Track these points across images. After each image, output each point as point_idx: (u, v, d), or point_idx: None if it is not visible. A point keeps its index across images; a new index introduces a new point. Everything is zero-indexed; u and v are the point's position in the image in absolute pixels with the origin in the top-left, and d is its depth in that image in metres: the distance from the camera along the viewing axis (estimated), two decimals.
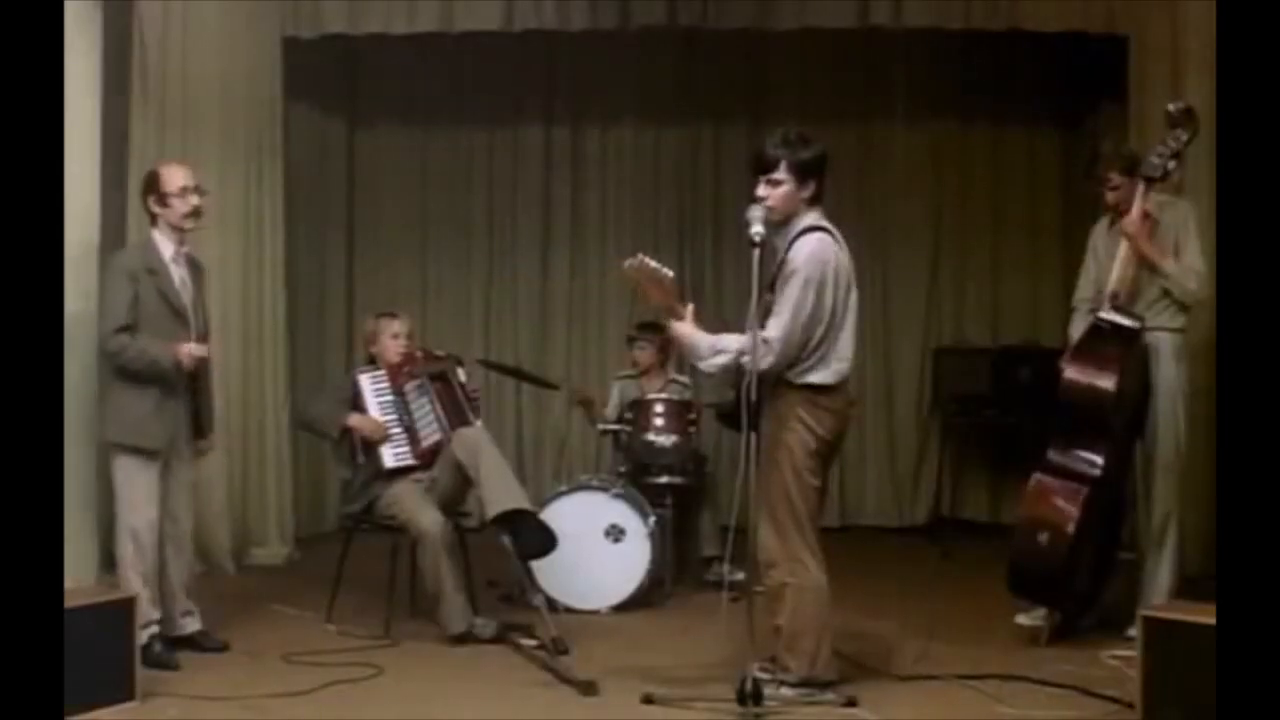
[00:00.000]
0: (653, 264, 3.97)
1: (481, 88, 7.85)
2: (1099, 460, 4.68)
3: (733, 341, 3.95)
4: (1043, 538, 4.64)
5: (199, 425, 4.68)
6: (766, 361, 3.90)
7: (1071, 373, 4.70)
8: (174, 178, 4.54)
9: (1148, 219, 4.72)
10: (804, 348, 3.95)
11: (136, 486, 4.46)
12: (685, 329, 4.07)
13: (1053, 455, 4.75)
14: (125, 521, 4.46)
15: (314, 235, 7.53)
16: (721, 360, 3.95)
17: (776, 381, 3.97)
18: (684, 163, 7.90)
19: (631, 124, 7.90)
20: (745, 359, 3.88)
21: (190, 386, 4.58)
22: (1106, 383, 4.62)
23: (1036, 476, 4.76)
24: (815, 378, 3.98)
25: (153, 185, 4.55)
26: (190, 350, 4.46)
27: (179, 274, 4.57)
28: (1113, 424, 4.70)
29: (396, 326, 5.30)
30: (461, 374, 5.37)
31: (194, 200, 4.54)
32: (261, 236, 6.47)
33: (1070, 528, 4.61)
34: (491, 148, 7.97)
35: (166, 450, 4.51)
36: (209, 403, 4.77)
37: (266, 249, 6.50)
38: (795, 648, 3.99)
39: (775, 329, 3.92)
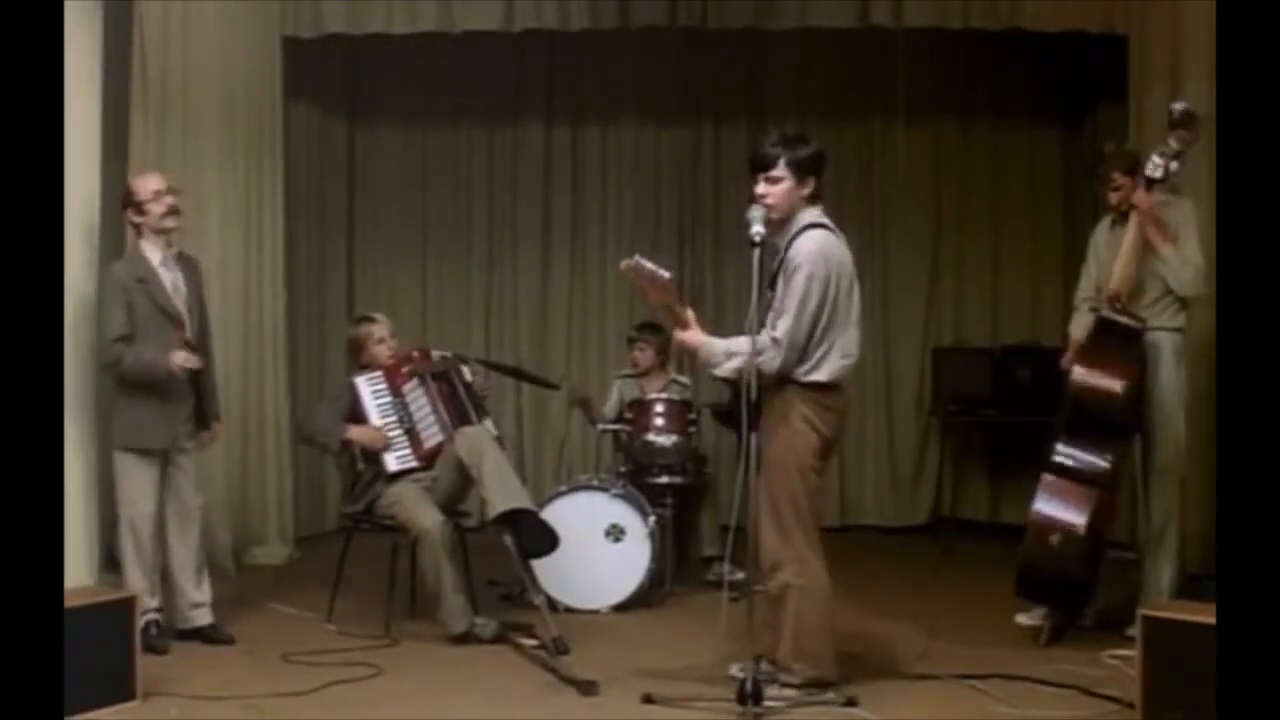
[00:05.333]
0: (649, 265, 3.94)
1: (481, 88, 7.84)
2: (1109, 461, 4.67)
3: (745, 344, 3.90)
4: (1054, 540, 4.61)
5: (203, 417, 4.85)
6: (776, 362, 3.91)
7: (1081, 373, 4.68)
8: (146, 184, 4.70)
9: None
10: (809, 344, 3.94)
11: (135, 483, 4.62)
12: (693, 338, 4.07)
13: (1060, 455, 4.70)
14: (125, 516, 4.63)
15: (314, 235, 7.53)
16: (736, 363, 3.93)
17: (779, 379, 3.96)
18: (684, 163, 7.88)
19: (631, 124, 7.89)
20: (759, 359, 3.87)
21: (193, 383, 4.74)
22: (1116, 384, 4.61)
23: (1045, 477, 4.71)
24: (820, 375, 3.97)
25: (128, 198, 4.73)
26: (182, 361, 4.56)
27: (170, 278, 4.70)
28: (1120, 425, 4.69)
29: (378, 331, 5.31)
30: (467, 373, 5.36)
31: (169, 200, 4.67)
32: (261, 236, 6.46)
33: (1083, 530, 4.59)
34: (491, 148, 7.96)
35: (169, 448, 4.67)
36: (212, 396, 4.93)
37: (266, 249, 6.50)
38: (800, 648, 3.98)
39: (782, 327, 3.92)
